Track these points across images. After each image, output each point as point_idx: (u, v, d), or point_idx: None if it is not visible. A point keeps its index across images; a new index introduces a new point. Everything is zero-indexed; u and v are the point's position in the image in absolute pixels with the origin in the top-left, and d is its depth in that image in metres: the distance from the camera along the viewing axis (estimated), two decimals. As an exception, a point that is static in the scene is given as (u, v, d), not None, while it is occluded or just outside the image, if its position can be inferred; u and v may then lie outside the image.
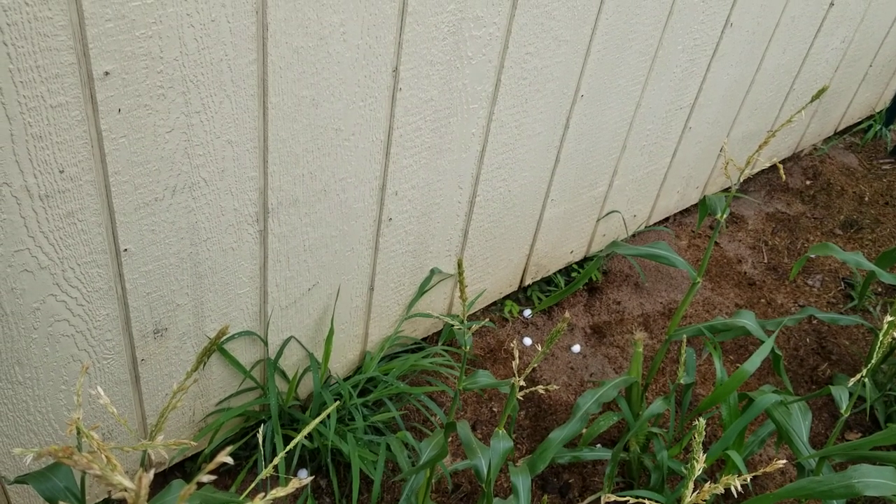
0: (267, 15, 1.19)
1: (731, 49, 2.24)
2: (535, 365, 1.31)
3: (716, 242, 2.68)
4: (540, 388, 1.13)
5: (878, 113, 3.44)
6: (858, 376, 1.40)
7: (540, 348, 1.18)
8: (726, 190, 2.82)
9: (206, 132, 1.23)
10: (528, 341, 2.15)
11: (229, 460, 0.47)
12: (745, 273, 2.58)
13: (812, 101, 1.52)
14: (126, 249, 1.26)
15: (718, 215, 1.65)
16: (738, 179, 1.60)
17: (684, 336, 1.71)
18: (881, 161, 3.29)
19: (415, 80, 1.49)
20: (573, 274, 2.38)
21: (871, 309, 2.52)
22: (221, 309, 1.48)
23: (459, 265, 1.17)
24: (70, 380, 1.35)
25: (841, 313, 2.49)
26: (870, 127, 3.39)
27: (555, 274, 2.34)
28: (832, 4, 2.50)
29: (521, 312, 2.23)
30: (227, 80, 1.21)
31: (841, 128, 3.33)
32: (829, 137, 3.30)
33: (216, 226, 1.35)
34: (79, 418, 0.74)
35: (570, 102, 1.88)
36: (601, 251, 2.43)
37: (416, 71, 1.48)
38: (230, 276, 1.44)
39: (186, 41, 1.12)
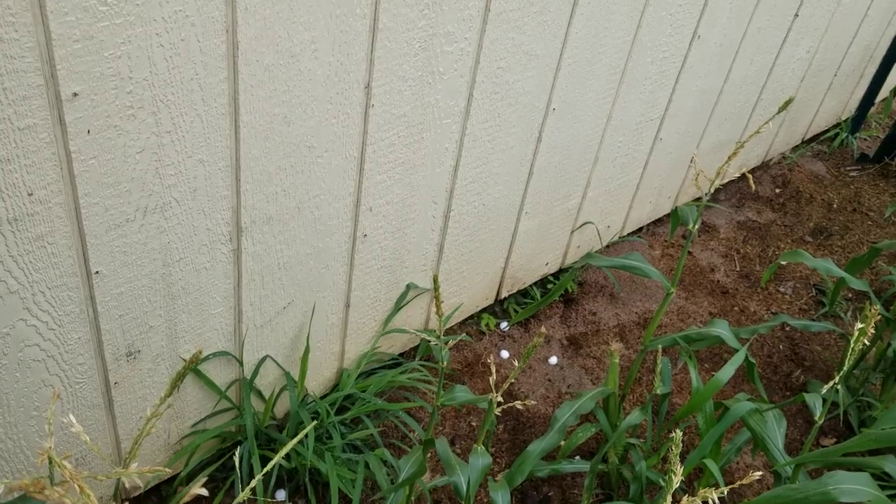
0: (237, 33, 1.18)
1: (700, 61, 2.27)
2: (513, 379, 1.31)
3: (689, 252, 2.70)
4: (518, 404, 1.13)
5: (843, 121, 3.50)
6: (831, 384, 1.42)
7: (517, 362, 1.18)
8: (698, 199, 2.85)
9: (178, 152, 1.22)
10: (505, 354, 2.15)
11: (204, 492, 0.46)
12: (718, 281, 2.60)
13: (779, 111, 1.54)
14: (97, 272, 1.24)
15: (690, 226, 1.66)
16: (710, 190, 1.62)
17: (660, 346, 1.72)
18: (848, 168, 3.34)
19: (387, 97, 1.49)
20: (549, 286, 2.39)
21: (843, 314, 2.56)
22: (195, 329, 1.46)
23: (435, 281, 1.17)
24: (42, 406, 1.32)
25: (813, 320, 2.52)
26: (836, 135, 3.45)
27: (531, 286, 2.34)
28: (797, 16, 2.54)
29: (497, 325, 2.23)
30: (198, 100, 1.20)
31: (808, 136, 3.38)
32: (797, 146, 3.35)
33: (189, 246, 1.34)
34: (51, 447, 0.73)
35: (542, 116, 1.89)
36: (576, 262, 2.44)
37: (389, 87, 1.48)
38: (204, 296, 1.43)
39: (156, 61, 1.11)
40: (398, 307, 1.88)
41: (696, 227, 1.65)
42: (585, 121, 2.04)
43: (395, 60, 1.46)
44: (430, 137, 1.65)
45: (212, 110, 1.22)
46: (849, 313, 2.57)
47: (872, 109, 3.52)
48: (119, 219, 1.22)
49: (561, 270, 2.42)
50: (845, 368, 1.39)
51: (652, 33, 2.01)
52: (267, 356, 1.64)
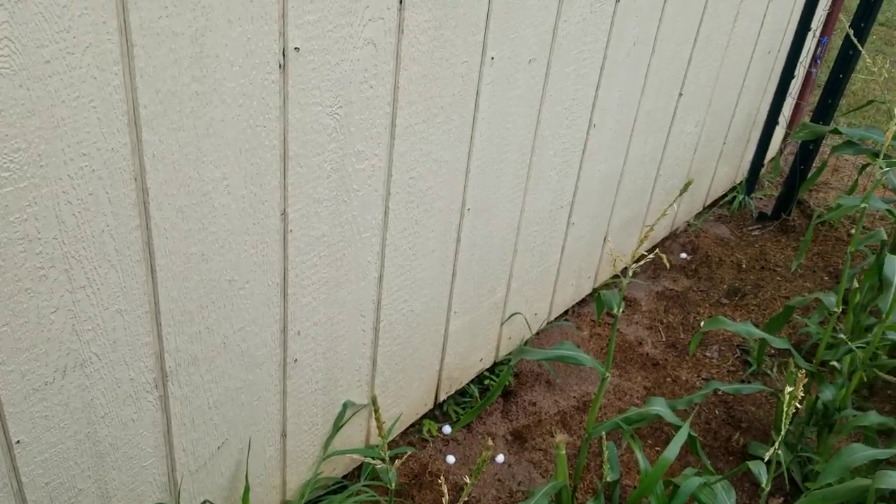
0: (146, 180, 1.17)
1: (598, 147, 2.37)
2: (466, 497, 1.28)
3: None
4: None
5: (739, 184, 3.69)
6: (772, 450, 1.45)
7: (467, 478, 1.16)
8: (616, 276, 2.93)
9: (94, 305, 1.18)
10: (451, 459, 2.11)
11: None
12: (648, 354, 2.65)
13: (681, 193, 1.62)
14: (18, 441, 1.17)
15: (615, 310, 1.70)
16: (629, 274, 1.67)
17: (603, 433, 1.73)
18: (750, 228, 3.51)
19: (304, 220, 1.49)
20: (486, 381, 2.38)
21: (769, 371, 2.63)
22: (128, 486, 1.38)
23: (374, 402, 1.15)
24: None
25: (742, 381, 2.58)
26: (734, 198, 3.62)
27: (468, 384, 2.33)
28: (681, 95, 2.70)
29: (440, 430, 2.19)
30: (111, 250, 1.17)
31: (709, 202, 3.54)
32: (699, 212, 3.50)
33: (113, 399, 1.28)
34: None
35: (458, 217, 1.92)
36: (510, 354, 2.44)
37: (305, 210, 1.48)
38: (133, 449, 1.36)
39: (64, 218, 1.09)
40: (337, 428, 1.83)
41: (621, 311, 1.69)
42: (500, 216, 2.08)
43: (308, 185, 1.46)
44: (351, 253, 1.65)
45: (126, 259, 1.20)
46: (774, 369, 2.64)
47: (763, 170, 3.73)
48: (37, 383, 1.16)
49: (496, 364, 2.43)
50: (782, 433, 1.42)
51: (551, 127, 2.09)
52: (206, 501, 1.57)
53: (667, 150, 2.81)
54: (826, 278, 3.24)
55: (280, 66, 1.31)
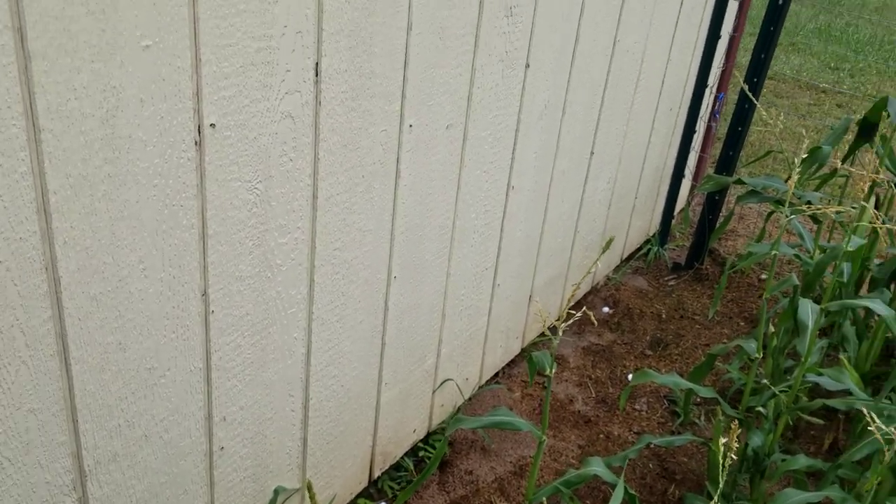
0: (58, 269, 1.11)
1: (518, 209, 2.40)
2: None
3: (544, 386, 2.75)
4: None
5: (652, 236, 3.80)
6: (712, 503, 1.45)
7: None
8: (542, 335, 2.94)
9: (4, 406, 1.10)
10: (389, 536, 2.04)
11: None
12: (579, 411, 2.65)
13: (603, 251, 1.64)
14: (-86, 565, 1.06)
15: (548, 371, 1.69)
16: (559, 333, 1.67)
17: (543, 499, 1.70)
18: (666, 279, 3.60)
19: (227, 299, 1.44)
20: (420, 453, 2.32)
21: (697, 420, 2.67)
22: None
23: (310, 489, 1.09)
24: None
25: (672, 432, 2.61)
26: (649, 250, 3.72)
27: (403, 457, 2.27)
28: (593, 153, 2.77)
29: (375, 506, 2.12)
30: (21, 346, 1.09)
31: (626, 255, 3.62)
32: (617, 266, 3.57)
33: (25, 507, 1.18)
34: None
35: (385, 286, 1.90)
36: (444, 423, 2.40)
37: (227, 290, 1.43)
38: (48, 559, 1.25)
39: (-33, 315, 1.01)
40: (269, 514, 1.75)
41: (553, 371, 1.68)
42: (427, 282, 2.07)
43: (230, 263, 1.42)
44: (276, 331, 1.60)
45: (38, 353, 1.12)
46: (702, 418, 2.68)
47: (674, 222, 3.85)
48: (-63, 497, 1.06)
49: (429, 434, 2.38)
50: (720, 486, 1.43)
51: (472, 191, 2.11)
52: None
53: (583, 208, 2.87)
54: (742, 324, 3.34)
55: (196, 144, 1.27)
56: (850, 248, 2.01)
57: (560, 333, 1.67)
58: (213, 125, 1.29)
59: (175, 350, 1.36)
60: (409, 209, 1.87)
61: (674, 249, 3.86)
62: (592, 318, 1.59)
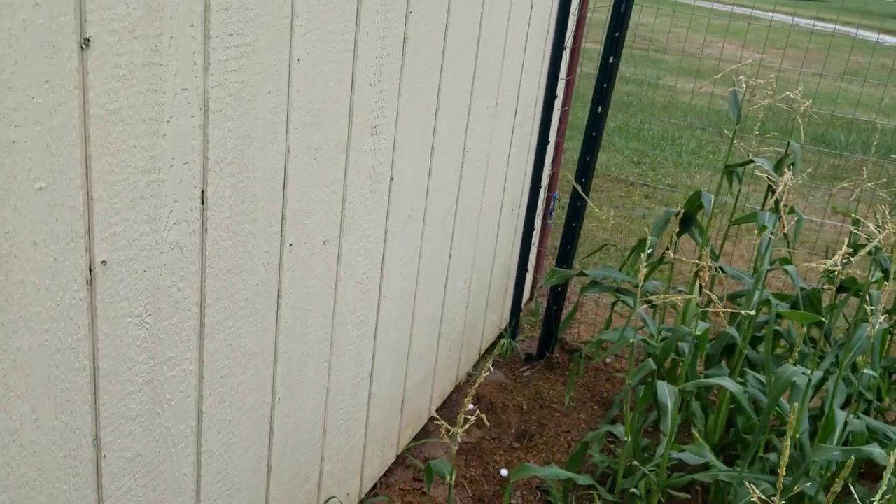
0: (-53, 431, 1.01)
1: (389, 315, 2.44)
2: None
3: (424, 493, 2.74)
4: None
5: (504, 330, 3.95)
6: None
7: None
8: (416, 440, 2.95)
9: None
10: None
11: None
12: (460, 513, 2.66)
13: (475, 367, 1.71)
14: None
15: (447, 479, 1.71)
16: (457, 441, 1.70)
17: None
18: (521, 370, 3.73)
19: (118, 442, 1.36)
20: (307, 578, 2.23)
21: (572, 507, 2.75)
22: None
23: None
24: None
25: (552, 522, 2.67)
26: (503, 344, 3.86)
27: (290, 585, 2.17)
28: (451, 256, 2.89)
29: None
30: None
31: (483, 351, 3.74)
32: (476, 362, 3.67)
33: None
34: None
35: (270, 408, 1.86)
36: (327, 542, 2.33)
37: (118, 431, 1.36)
38: None
39: None
40: None
41: (453, 477, 1.71)
42: (308, 400, 2.04)
43: (121, 402, 1.35)
44: (167, 469, 1.52)
45: (-77, 529, 1.01)
46: (576, 504, 2.77)
47: (522, 315, 4.03)
48: None
49: (314, 556, 2.29)
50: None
51: (347, 303, 2.13)
52: None
53: (445, 309, 2.96)
54: (595, 407, 3.51)
55: (87, 283, 1.23)
56: (697, 332, 2.21)
57: (458, 440, 1.70)
58: (104, 262, 1.25)
59: (67, 503, 1.26)
60: (290, 328, 1.86)
61: (524, 341, 4.02)
62: (485, 420, 1.64)
